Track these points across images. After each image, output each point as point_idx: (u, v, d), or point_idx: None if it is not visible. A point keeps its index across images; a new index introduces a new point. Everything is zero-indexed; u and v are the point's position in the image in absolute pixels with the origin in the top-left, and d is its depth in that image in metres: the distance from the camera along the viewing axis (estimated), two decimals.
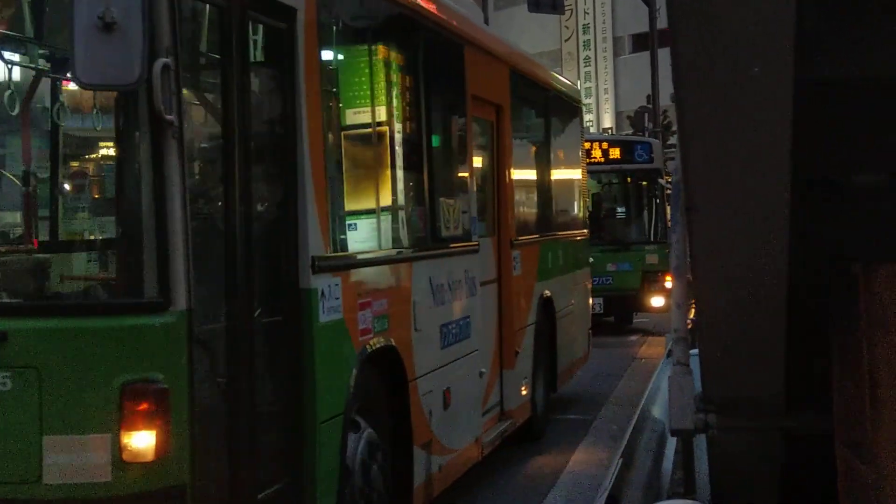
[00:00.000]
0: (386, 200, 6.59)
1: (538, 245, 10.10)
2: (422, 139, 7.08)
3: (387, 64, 6.59)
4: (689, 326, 5.98)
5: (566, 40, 50.85)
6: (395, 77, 6.68)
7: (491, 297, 8.61)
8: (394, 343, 6.07)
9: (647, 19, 28.67)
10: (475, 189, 8.19)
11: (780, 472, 5.29)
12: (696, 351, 5.59)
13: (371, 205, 6.29)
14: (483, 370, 7.98)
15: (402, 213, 6.84)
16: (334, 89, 6.00)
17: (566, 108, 12.38)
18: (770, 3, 3.58)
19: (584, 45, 50.21)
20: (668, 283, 17.81)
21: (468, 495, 7.91)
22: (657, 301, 18.12)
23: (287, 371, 5.03)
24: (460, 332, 7.45)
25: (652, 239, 18.62)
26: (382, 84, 6.49)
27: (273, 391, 5.01)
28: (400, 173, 6.79)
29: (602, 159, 18.74)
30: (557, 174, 11.47)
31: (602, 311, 17.67)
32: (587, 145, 18.45)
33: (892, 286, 4.15)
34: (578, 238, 12.33)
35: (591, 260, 17.77)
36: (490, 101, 8.88)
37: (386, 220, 6.54)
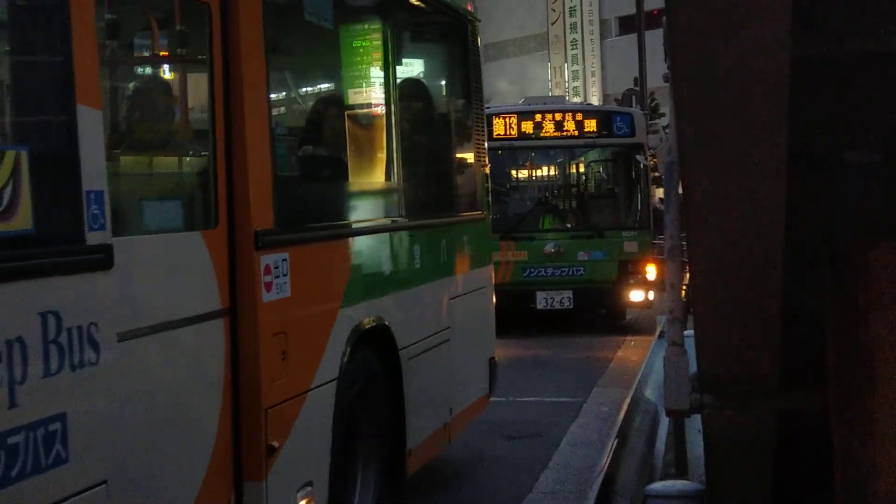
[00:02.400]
0: None
1: (346, 240, 5.73)
2: None
3: None
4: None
5: (553, 23, 50.79)
6: None
7: (202, 348, 4.48)
8: None
9: (633, 2, 28.62)
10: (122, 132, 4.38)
11: (775, 451, 5.28)
12: (690, 332, 5.58)
13: None
14: None
15: None
16: None
17: (435, 17, 7.80)
18: None
19: (571, 28, 50.16)
20: (651, 274, 15.65)
21: None
22: (636, 295, 15.79)
23: None
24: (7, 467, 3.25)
25: (631, 223, 16.30)
26: None
27: None
28: None
29: (576, 132, 16.34)
30: (412, 123, 7.15)
31: (572, 307, 15.70)
32: (559, 116, 16.44)
33: (889, 263, 4.14)
34: (464, 224, 7.81)
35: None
36: None
37: None
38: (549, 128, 16.37)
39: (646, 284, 15.78)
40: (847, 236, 4.61)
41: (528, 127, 16.37)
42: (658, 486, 5.74)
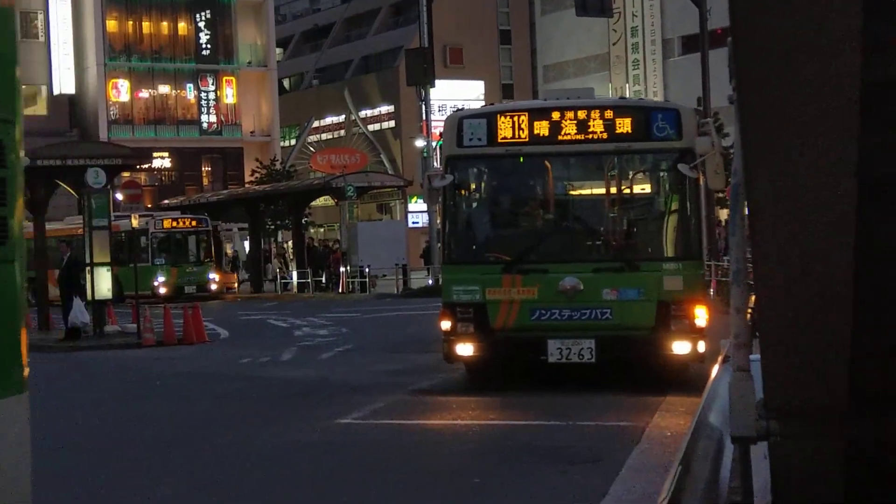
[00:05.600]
0: None
1: None
2: None
3: None
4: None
5: (614, 44, 50.74)
6: None
7: None
8: None
9: (696, 20, 28.50)
10: None
11: (844, 481, 5.18)
12: (756, 356, 5.49)
13: None
14: None
15: None
16: None
17: None
18: (836, 1, 3.52)
19: (632, 48, 50.08)
20: (701, 320, 11.90)
21: None
22: (681, 346, 11.87)
23: None
24: None
25: (674, 253, 12.51)
26: None
27: None
28: None
29: (605, 134, 12.33)
30: None
31: (594, 360, 12.03)
32: (582, 114, 12.44)
33: None
34: None
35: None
36: None
37: None
38: (569, 129, 12.46)
39: (694, 332, 11.95)
40: None
41: (542, 128, 12.48)
42: None
